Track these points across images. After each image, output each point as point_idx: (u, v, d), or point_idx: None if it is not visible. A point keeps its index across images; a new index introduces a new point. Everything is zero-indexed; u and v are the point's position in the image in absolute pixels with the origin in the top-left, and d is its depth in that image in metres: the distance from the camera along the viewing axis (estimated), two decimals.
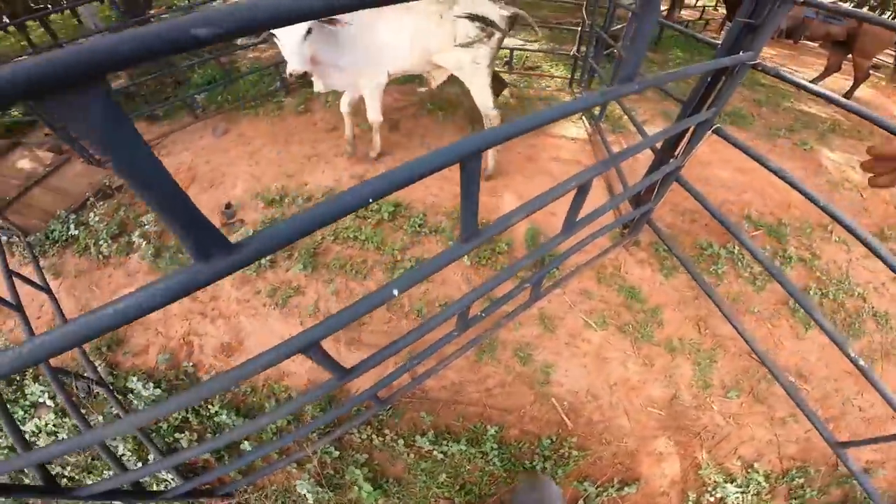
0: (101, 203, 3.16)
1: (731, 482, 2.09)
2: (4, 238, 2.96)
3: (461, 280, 2.65)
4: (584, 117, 4.16)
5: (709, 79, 1.81)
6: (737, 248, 2.83)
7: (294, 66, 2.25)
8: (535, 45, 5.57)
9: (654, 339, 2.46)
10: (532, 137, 3.73)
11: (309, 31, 2.25)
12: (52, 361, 2.02)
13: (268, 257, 2.71)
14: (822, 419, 2.12)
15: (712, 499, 2.07)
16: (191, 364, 2.44)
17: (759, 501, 2.07)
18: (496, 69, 4.90)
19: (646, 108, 4.28)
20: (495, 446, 2.11)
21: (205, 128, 4.07)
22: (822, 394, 2.33)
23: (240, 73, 4.85)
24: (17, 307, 1.89)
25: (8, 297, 1.93)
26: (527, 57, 5.34)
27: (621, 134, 3.91)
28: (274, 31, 2.19)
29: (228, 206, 3.06)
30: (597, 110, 3.90)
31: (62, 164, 3.42)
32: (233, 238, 2.86)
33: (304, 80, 4.48)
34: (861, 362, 1.44)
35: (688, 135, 1.96)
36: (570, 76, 4.68)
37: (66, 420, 2.31)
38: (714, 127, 1.82)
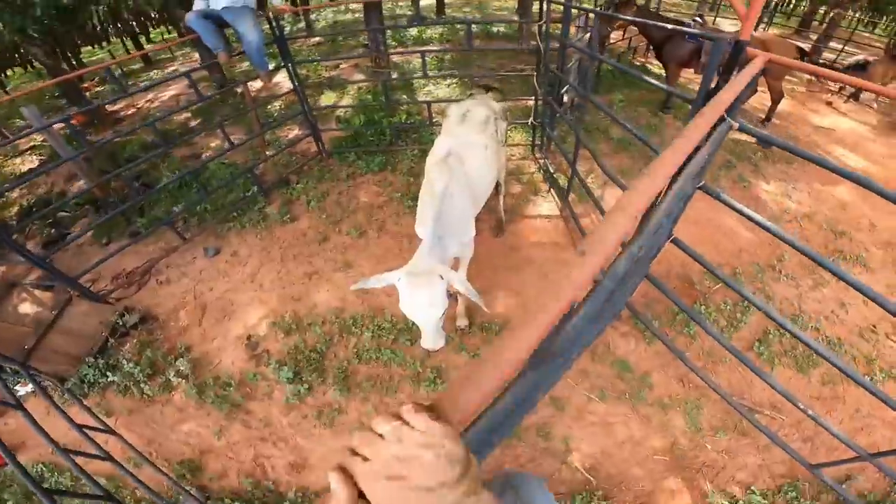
0: (122, 344, 3.25)
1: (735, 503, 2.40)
2: (34, 386, 2.57)
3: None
4: (552, 191, 4.32)
5: None
6: (702, 307, 3.21)
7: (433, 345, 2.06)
8: None
9: (648, 401, 2.80)
10: (511, 222, 4.00)
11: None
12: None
13: (305, 386, 2.93)
14: (799, 440, 2.59)
15: None
16: (270, 482, 2.61)
17: None
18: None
19: (597, 174, 4.38)
20: None
21: (194, 248, 4.04)
22: (797, 419, 2.67)
23: (208, 169, 4.95)
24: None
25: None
26: None
27: (588, 204, 4.00)
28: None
29: (249, 338, 3.26)
30: (563, 182, 3.97)
31: (66, 304, 3.28)
32: (265, 370, 3.04)
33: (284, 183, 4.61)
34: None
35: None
36: (531, 142, 4.91)
37: None
38: (700, 184, 1.85)
